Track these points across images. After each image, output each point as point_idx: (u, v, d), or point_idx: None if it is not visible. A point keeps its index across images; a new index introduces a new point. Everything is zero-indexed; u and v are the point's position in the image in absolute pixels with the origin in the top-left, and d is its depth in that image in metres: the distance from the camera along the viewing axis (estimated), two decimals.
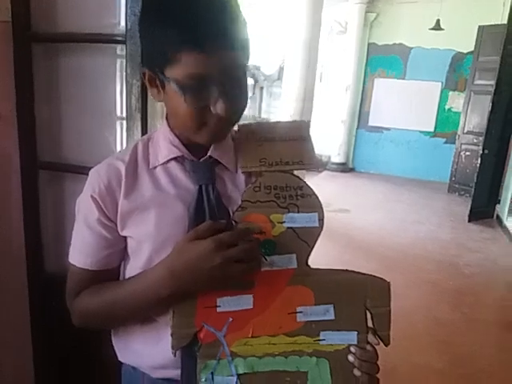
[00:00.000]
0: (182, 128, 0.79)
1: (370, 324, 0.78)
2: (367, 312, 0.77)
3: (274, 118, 7.40)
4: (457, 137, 7.05)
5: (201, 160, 0.80)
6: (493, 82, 5.50)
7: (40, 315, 1.49)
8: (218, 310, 0.75)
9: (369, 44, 8.06)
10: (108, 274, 0.82)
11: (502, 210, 5.58)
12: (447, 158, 7.31)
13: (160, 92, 0.76)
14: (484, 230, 5.41)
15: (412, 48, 7.73)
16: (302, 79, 4.43)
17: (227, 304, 0.75)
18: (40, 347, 1.53)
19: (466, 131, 6.85)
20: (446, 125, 7.73)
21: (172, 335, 0.73)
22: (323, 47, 5.24)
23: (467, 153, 6.86)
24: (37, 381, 1.54)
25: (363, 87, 8.26)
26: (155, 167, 0.81)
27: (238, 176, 0.83)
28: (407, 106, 7.87)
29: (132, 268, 0.81)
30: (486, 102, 5.79)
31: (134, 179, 0.80)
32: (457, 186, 7.11)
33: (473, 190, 5.70)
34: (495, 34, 6.02)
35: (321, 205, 0.79)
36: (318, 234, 0.78)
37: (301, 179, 0.79)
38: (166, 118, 0.83)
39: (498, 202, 5.80)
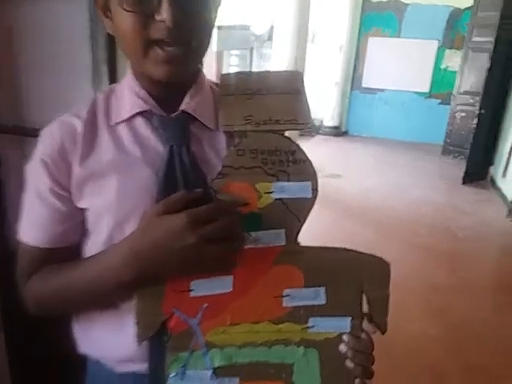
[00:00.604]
0: (131, 56, 0.65)
1: (365, 310, 0.68)
2: (363, 296, 0.67)
3: None
4: (452, 97, 6.88)
5: (172, 115, 0.67)
6: (491, 39, 5.30)
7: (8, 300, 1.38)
8: (191, 294, 0.64)
9: (363, 1, 7.73)
10: (64, 252, 0.70)
11: (496, 171, 5.51)
12: (442, 119, 7.14)
13: (112, 20, 0.63)
14: (478, 192, 5.35)
15: (408, 4, 7.42)
16: (293, 40, 4.23)
17: (202, 287, 0.64)
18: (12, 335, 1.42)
19: (462, 91, 6.65)
20: (441, 85, 7.52)
21: (136, 324, 0.63)
22: (315, 5, 5.00)
23: (462, 114, 6.70)
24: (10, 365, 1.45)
25: (357, 47, 7.99)
26: (117, 124, 0.69)
27: (219, 136, 0.70)
28: (402, 65, 7.62)
29: (93, 245, 0.69)
30: (484, 60, 5.60)
31: (93, 139, 0.68)
32: (451, 147, 6.98)
33: (468, 151, 5.59)
34: None
35: (315, 172, 0.67)
36: (311, 207, 0.66)
37: (293, 141, 0.67)
38: (131, 66, 0.70)
39: (492, 164, 5.72)
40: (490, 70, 5.31)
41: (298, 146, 0.67)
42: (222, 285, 0.64)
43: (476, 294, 3.08)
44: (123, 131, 0.69)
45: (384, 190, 5.25)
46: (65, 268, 0.68)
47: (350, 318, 0.67)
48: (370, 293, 0.66)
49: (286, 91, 0.69)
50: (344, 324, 0.67)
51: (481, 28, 6.01)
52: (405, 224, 4.21)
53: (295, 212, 0.66)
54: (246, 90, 0.69)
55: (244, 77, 0.72)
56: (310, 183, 0.66)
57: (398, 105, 7.93)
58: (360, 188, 5.24)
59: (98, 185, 0.67)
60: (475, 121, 5.49)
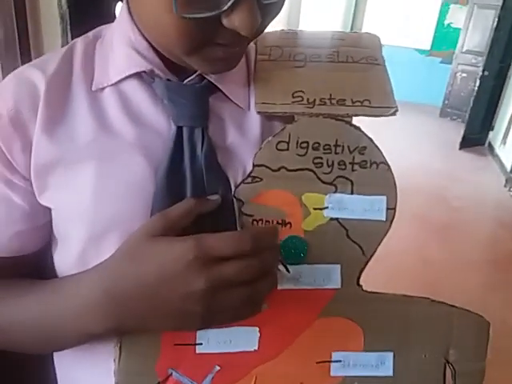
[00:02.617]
0: (163, 43, 0.43)
1: None
2: (447, 368, 0.48)
3: None
4: (454, 56, 6.57)
5: (185, 82, 0.45)
6: None
7: None
8: (198, 350, 0.44)
9: None
10: (21, 263, 0.50)
11: (495, 137, 5.33)
12: (442, 79, 6.85)
13: None
14: (475, 159, 5.18)
15: None
16: None
17: (214, 341, 0.44)
18: None
19: (464, 50, 6.35)
20: (443, 42, 7.15)
21: None
22: None
23: (463, 74, 6.44)
24: None
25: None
26: (103, 88, 0.47)
27: (250, 119, 0.48)
28: (404, 20, 7.22)
29: (63, 258, 0.49)
30: (490, 18, 5.31)
31: (62, 105, 0.46)
32: (449, 110, 6.76)
33: (467, 114, 5.38)
34: None
35: (394, 183, 0.46)
36: (383, 235, 0.46)
37: (363, 133, 0.45)
38: (128, 3, 0.46)
39: (492, 129, 5.53)
40: (496, 29, 5.01)
41: (370, 140, 0.45)
42: (243, 340, 0.44)
43: (467, 269, 2.96)
44: (110, 100, 0.46)
45: None
46: (12, 293, 0.47)
47: None
48: (458, 365, 0.47)
49: (356, 60, 0.47)
50: None
51: None
52: (400, 192, 4.04)
53: (359, 241, 0.45)
54: (296, 54, 0.47)
55: (292, 37, 0.49)
56: (384, 199, 0.45)
57: (397, 62, 7.56)
58: None
59: (69, 174, 0.45)
60: (477, 83, 5.25)
